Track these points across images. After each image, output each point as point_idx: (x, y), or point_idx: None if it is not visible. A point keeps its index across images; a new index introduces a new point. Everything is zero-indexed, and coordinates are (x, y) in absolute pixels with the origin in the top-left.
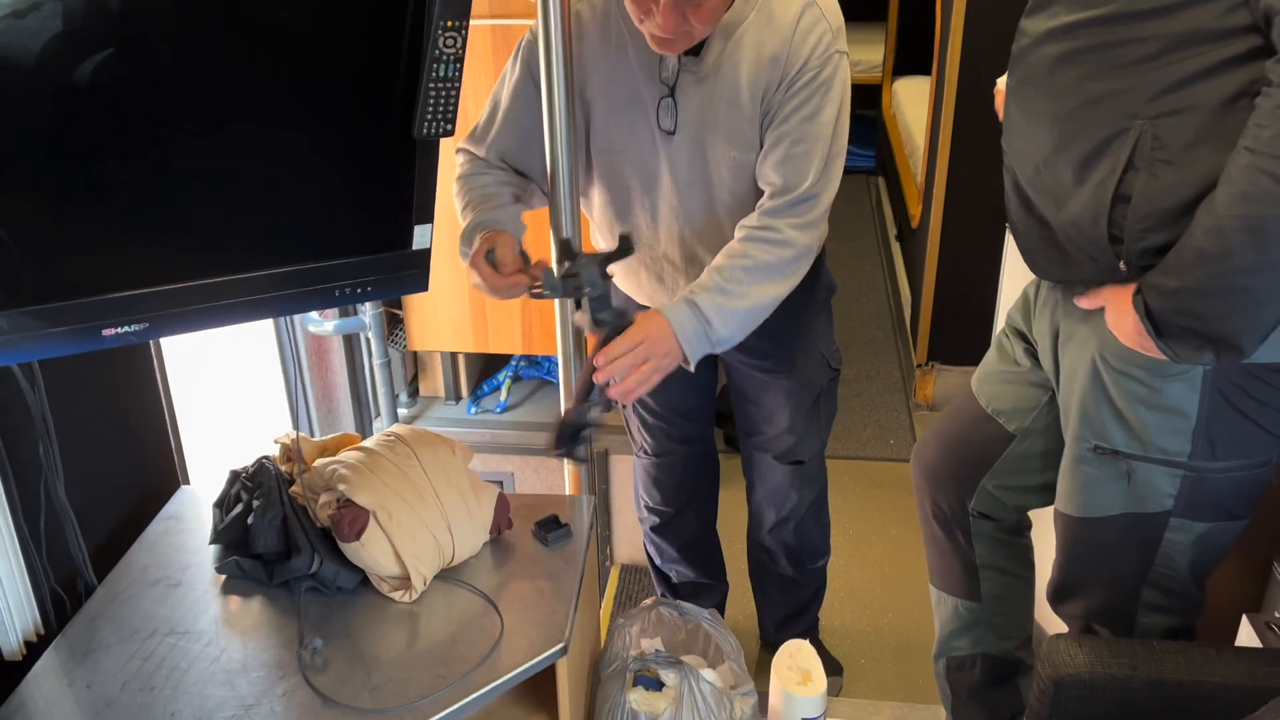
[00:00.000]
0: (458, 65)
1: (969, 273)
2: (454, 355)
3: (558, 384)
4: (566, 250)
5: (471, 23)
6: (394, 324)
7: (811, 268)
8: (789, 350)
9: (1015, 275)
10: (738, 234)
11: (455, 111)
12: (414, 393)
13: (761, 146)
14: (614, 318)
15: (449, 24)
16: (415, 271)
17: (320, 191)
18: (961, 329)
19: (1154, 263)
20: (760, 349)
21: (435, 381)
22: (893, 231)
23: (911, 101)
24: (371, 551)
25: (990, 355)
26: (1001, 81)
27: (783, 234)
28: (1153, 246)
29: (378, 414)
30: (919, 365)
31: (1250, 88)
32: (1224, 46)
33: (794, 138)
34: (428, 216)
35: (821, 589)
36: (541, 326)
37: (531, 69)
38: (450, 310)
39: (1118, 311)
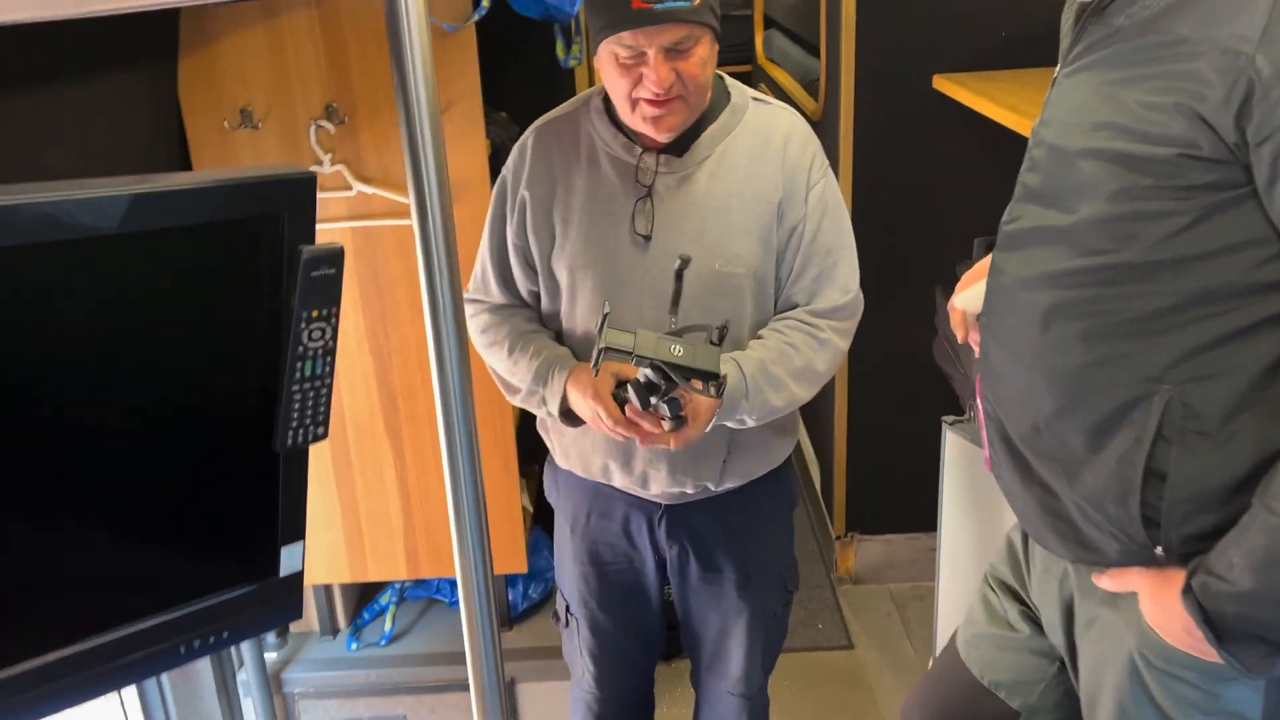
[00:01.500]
0: (328, 360)
1: (886, 431)
2: (327, 584)
3: (454, 605)
4: (664, 377)
5: (336, 225)
6: None
7: (785, 474)
8: (746, 568)
9: (961, 464)
10: (775, 325)
11: (327, 412)
12: (283, 631)
13: (754, 263)
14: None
15: (314, 314)
16: (285, 600)
17: (158, 529)
18: (882, 496)
19: (1200, 549)
20: (716, 565)
21: (308, 616)
22: None
23: None
24: None
25: (976, 612)
26: (961, 301)
27: (826, 334)
28: (1198, 532)
29: (241, 664)
30: (838, 537)
31: None
32: (1260, 303)
33: (825, 250)
34: (297, 533)
35: None
36: (429, 546)
37: (503, 204)
38: (320, 537)
39: (1161, 607)
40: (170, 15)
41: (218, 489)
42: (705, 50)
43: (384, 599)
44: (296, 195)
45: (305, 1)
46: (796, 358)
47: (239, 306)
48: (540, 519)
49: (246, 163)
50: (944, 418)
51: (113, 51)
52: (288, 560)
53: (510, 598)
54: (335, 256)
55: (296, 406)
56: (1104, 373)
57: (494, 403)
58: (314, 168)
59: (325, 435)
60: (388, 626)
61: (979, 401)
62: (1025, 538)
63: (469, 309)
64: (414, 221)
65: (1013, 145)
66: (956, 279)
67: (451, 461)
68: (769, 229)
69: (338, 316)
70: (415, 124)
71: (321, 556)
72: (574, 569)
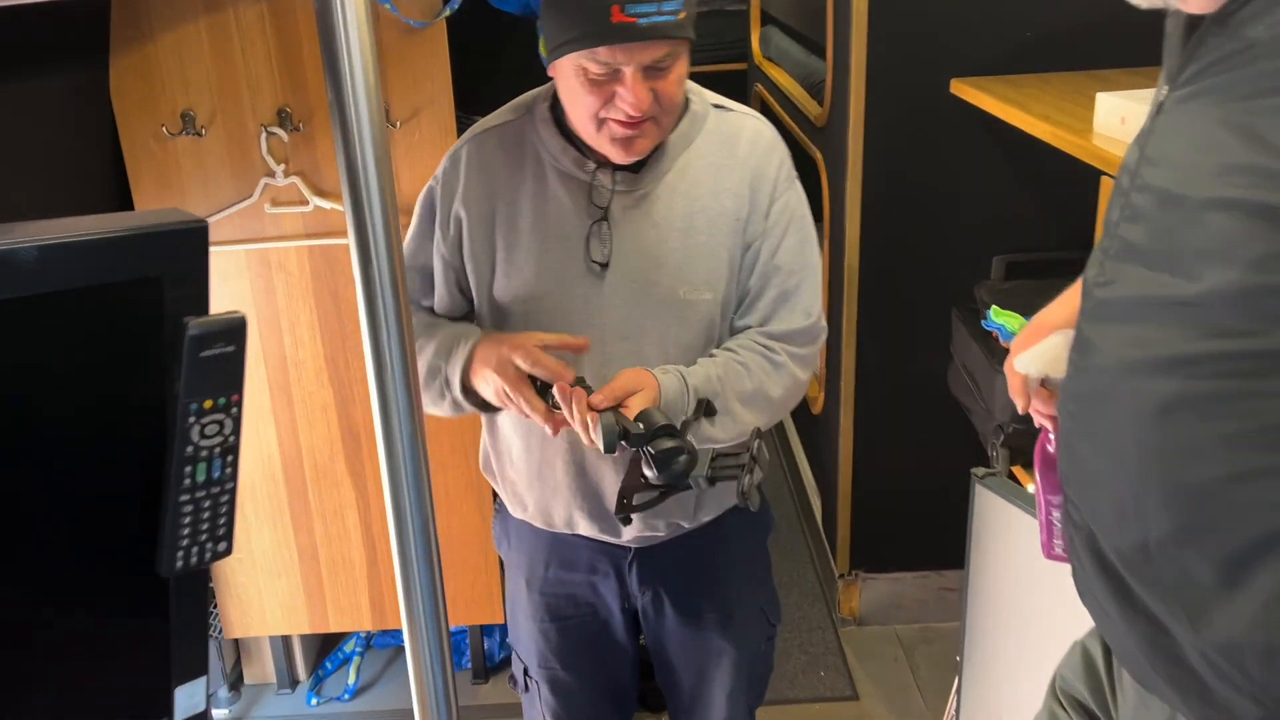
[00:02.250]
0: (228, 460)
1: (894, 462)
2: None
3: None
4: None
5: (292, 243)
6: None
7: (762, 503)
8: (726, 607)
9: (990, 520)
10: (730, 341)
11: (229, 524)
12: (236, 683)
13: (720, 287)
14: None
15: (206, 405)
16: None
17: (22, 667)
18: (889, 530)
19: None
20: (694, 608)
21: (264, 666)
22: None
23: None
24: None
25: None
26: (1023, 365)
27: (782, 358)
28: None
29: None
30: (841, 575)
31: None
32: None
33: (788, 270)
34: (196, 668)
35: None
36: (395, 593)
37: (431, 218)
38: (275, 584)
39: None
40: (100, 6)
41: (93, 621)
42: (684, 67)
43: (348, 647)
44: (181, 252)
45: None
46: (748, 380)
47: (110, 398)
48: None
49: (190, 174)
50: (974, 470)
51: (33, 46)
52: (185, 701)
53: (486, 647)
54: (233, 330)
55: (187, 521)
56: (1247, 489)
57: (466, 442)
58: (266, 180)
59: (229, 551)
60: (351, 679)
61: (1047, 494)
62: (1107, 650)
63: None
64: (352, 246)
65: (1037, 156)
66: (975, 301)
67: (396, 504)
68: (735, 248)
69: (239, 406)
70: (353, 139)
71: (278, 605)
72: (531, 627)
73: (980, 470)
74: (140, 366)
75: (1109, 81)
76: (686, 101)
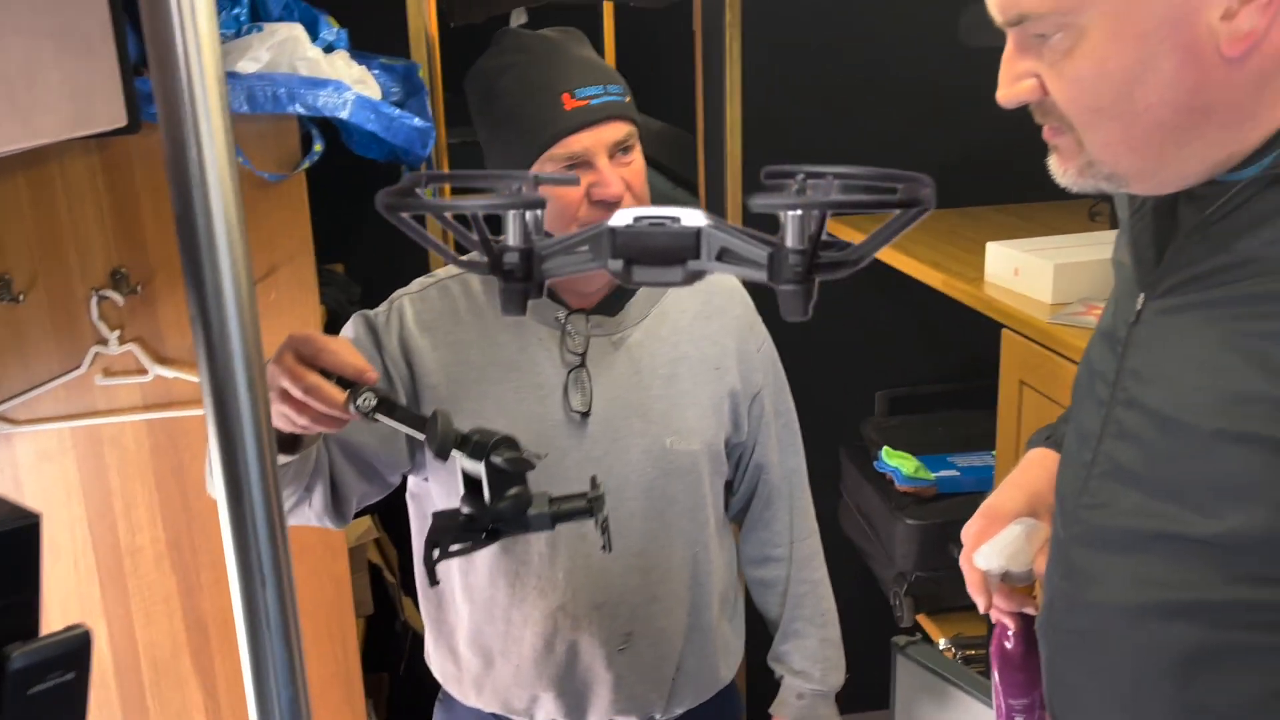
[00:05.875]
0: None
1: None
2: None
3: None
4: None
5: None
6: None
7: (732, 691)
8: None
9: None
10: (764, 569)
11: None
12: None
13: (708, 436)
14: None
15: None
16: None
17: None
18: None
19: None
20: None
21: None
22: None
23: None
24: None
25: None
26: (984, 561)
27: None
28: None
29: None
30: None
31: None
32: None
33: (787, 409)
34: None
35: None
36: None
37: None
38: None
39: None
40: None
41: None
42: (642, 158)
43: None
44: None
45: (83, 147)
46: (821, 586)
47: None
48: None
49: (5, 345)
50: (894, 639)
51: None
52: None
53: None
54: (73, 653)
55: None
56: None
57: (342, 627)
58: (97, 348)
59: None
60: None
61: (1008, 696)
62: None
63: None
64: (210, 422)
65: (913, 293)
66: (863, 438)
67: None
68: (720, 396)
69: (89, 676)
70: (211, 302)
71: None
72: None
73: (901, 639)
74: None
75: (980, 219)
76: None
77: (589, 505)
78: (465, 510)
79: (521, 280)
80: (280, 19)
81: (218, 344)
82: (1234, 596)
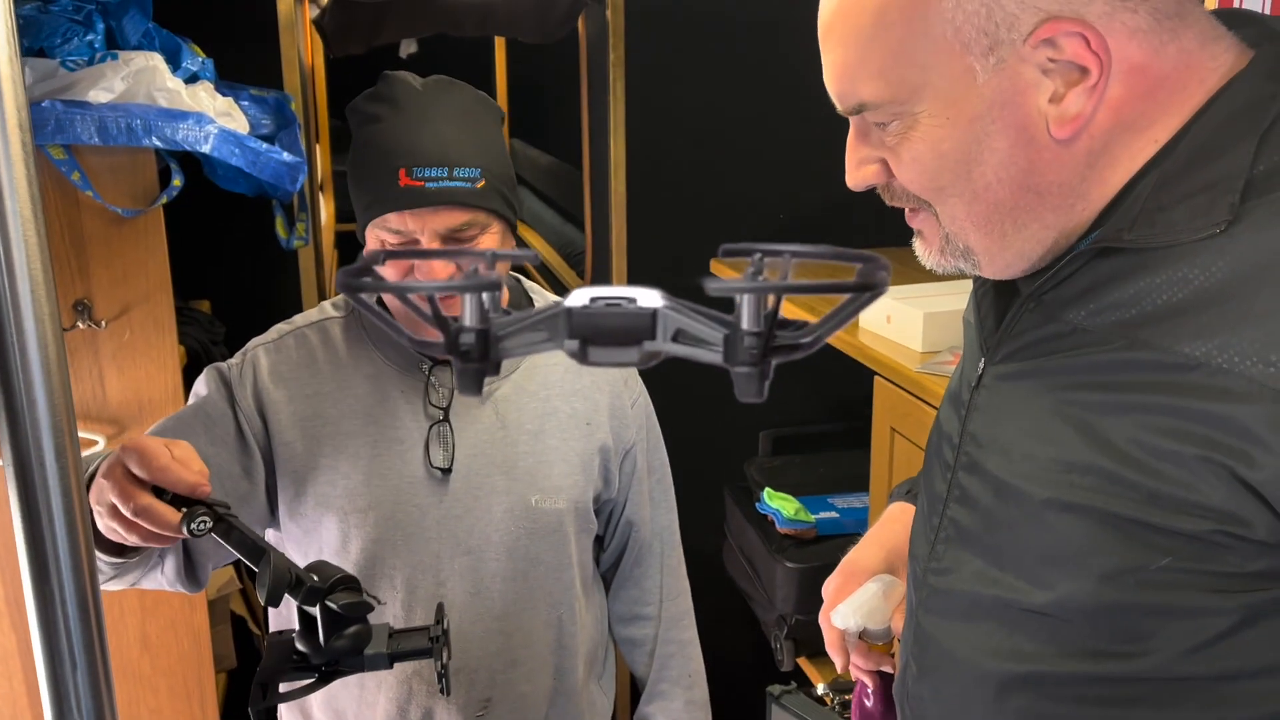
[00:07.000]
0: None
1: None
2: None
3: None
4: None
5: None
6: None
7: None
8: None
9: None
10: (633, 628)
11: None
12: None
13: (575, 494)
14: None
15: None
16: None
17: None
18: None
19: None
20: None
21: None
22: None
23: None
24: None
25: None
26: (841, 620)
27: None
28: None
29: None
30: None
31: None
32: None
33: (660, 464)
34: None
35: None
36: None
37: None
38: None
39: None
40: None
41: None
42: (494, 241)
43: None
44: None
45: None
46: (688, 663)
47: None
48: None
49: None
50: (769, 688)
51: None
52: None
53: None
54: None
55: None
56: None
57: (191, 675)
58: None
59: None
60: None
61: None
62: None
63: None
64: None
65: None
66: (745, 478)
67: None
68: (590, 453)
69: None
70: (12, 348)
71: None
72: None
73: (776, 688)
74: None
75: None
76: (529, 299)
77: (430, 645)
78: (299, 647)
79: (477, 361)
80: (139, 47)
81: (21, 409)
82: (1067, 669)
